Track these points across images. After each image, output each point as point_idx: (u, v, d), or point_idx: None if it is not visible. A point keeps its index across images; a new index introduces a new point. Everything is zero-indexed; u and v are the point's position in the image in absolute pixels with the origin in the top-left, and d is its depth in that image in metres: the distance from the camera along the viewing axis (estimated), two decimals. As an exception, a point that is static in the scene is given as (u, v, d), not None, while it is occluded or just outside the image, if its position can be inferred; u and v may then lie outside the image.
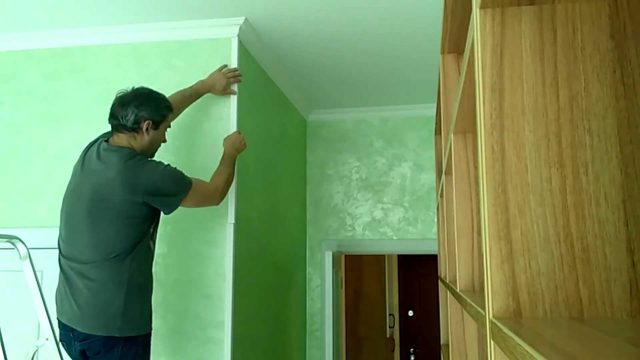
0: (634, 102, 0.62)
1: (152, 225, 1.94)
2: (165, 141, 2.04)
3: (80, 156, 1.98)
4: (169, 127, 2.04)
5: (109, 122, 1.94)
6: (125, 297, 1.80)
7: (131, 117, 1.87)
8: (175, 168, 1.94)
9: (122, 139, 1.91)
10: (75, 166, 1.99)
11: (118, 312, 1.79)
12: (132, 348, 1.81)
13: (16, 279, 2.19)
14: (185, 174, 1.96)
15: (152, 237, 1.98)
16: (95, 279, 1.81)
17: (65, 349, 1.90)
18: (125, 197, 1.80)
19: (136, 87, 1.97)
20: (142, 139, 1.91)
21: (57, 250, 1.93)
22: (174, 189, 1.90)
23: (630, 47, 0.63)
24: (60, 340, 1.90)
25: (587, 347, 0.45)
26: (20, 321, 2.29)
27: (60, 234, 1.93)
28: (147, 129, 1.90)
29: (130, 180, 1.82)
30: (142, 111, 1.88)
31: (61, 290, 1.88)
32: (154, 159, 2.00)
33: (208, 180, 2.08)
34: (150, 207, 1.87)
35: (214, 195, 2.03)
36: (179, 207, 1.96)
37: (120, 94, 1.95)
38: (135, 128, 1.88)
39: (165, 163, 1.94)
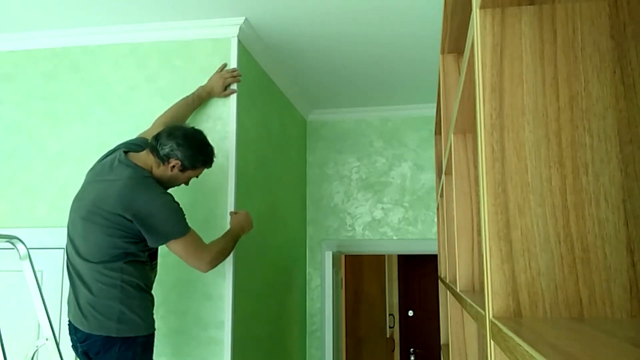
0: (634, 102, 0.62)
1: (145, 250, 1.92)
2: (186, 184, 2.05)
3: (96, 163, 2.01)
4: (197, 177, 2.05)
5: (150, 141, 1.96)
6: (121, 299, 1.83)
7: (166, 149, 1.90)
8: (181, 209, 1.91)
9: (147, 159, 1.93)
10: (88, 172, 2.01)
11: (114, 313, 1.82)
12: (131, 348, 1.83)
13: (16, 279, 2.19)
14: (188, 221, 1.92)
15: (150, 263, 1.98)
16: (89, 280, 1.85)
17: (75, 353, 1.93)
18: (115, 209, 1.81)
19: (196, 129, 2.01)
20: (164, 172, 1.93)
21: (64, 251, 1.98)
22: (166, 227, 1.87)
23: (630, 47, 0.63)
24: (71, 346, 1.93)
25: (587, 347, 0.45)
26: (20, 321, 2.29)
27: (66, 235, 1.97)
28: (173, 166, 1.92)
29: (127, 197, 1.83)
30: (179, 151, 1.90)
31: (69, 289, 1.93)
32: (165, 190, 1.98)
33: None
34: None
35: (204, 256, 1.93)
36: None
37: (177, 126, 1.99)
38: (163, 159, 1.91)
39: (173, 199, 1.91)
